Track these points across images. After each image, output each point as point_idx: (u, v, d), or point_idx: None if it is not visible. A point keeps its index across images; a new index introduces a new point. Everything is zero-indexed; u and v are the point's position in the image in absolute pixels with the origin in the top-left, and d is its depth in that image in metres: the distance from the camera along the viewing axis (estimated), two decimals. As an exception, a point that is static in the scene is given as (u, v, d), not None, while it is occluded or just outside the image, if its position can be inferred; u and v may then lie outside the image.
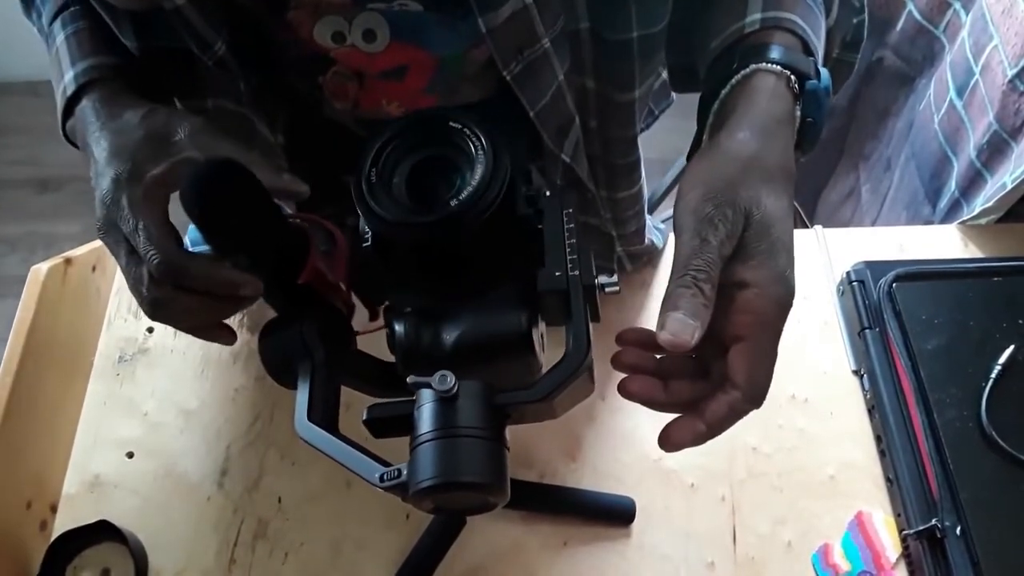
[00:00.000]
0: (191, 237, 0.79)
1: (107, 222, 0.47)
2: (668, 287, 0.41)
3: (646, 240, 0.73)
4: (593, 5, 0.51)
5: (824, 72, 0.48)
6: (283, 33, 0.53)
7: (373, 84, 0.57)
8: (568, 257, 0.42)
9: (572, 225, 0.43)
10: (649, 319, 0.74)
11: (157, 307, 0.47)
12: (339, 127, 0.63)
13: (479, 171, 0.39)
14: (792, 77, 0.46)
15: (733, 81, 0.47)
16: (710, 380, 0.43)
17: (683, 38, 0.59)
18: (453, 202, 0.38)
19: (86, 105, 0.51)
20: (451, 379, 0.38)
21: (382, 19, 0.52)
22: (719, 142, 0.45)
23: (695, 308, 0.40)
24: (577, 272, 0.42)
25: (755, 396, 0.41)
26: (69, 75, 0.52)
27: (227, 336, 0.53)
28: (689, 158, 0.52)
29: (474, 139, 0.40)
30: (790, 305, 0.41)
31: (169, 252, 0.45)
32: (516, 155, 0.41)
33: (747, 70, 0.47)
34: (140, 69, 0.54)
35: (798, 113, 0.47)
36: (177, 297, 0.47)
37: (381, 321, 0.46)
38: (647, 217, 0.74)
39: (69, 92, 0.51)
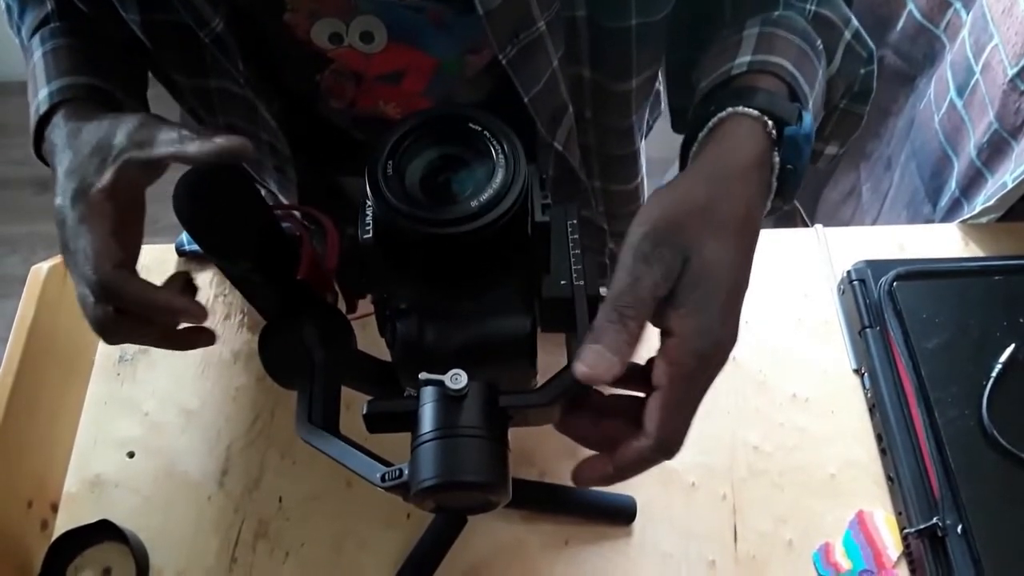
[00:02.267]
0: (187, 235, 0.79)
1: (62, 244, 0.46)
2: (595, 320, 0.40)
3: None
4: None
5: (807, 118, 0.47)
6: (280, 32, 0.53)
7: (370, 85, 0.57)
8: (573, 266, 0.42)
9: (576, 236, 0.43)
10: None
11: (102, 329, 0.47)
12: (334, 128, 0.63)
13: (500, 174, 0.39)
14: (770, 122, 0.45)
15: (710, 124, 0.46)
16: (636, 422, 0.42)
17: (684, 80, 0.59)
18: (473, 202, 0.38)
19: (56, 123, 0.50)
20: (464, 379, 0.38)
21: (379, 22, 0.52)
22: (677, 183, 0.44)
23: (617, 344, 0.39)
24: (582, 282, 0.42)
25: (665, 446, 0.40)
26: (43, 93, 0.51)
27: (204, 339, 0.51)
28: None
29: (495, 143, 0.40)
30: (716, 360, 0.40)
31: (104, 273, 0.44)
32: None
33: (723, 113, 0.46)
34: (124, 78, 0.54)
35: (776, 159, 0.46)
36: (119, 320, 0.46)
37: (362, 310, 0.47)
38: None
39: (42, 111, 0.51)
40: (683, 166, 0.50)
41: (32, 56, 0.54)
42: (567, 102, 0.55)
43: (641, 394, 0.42)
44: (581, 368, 0.39)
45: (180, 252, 0.78)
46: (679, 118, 0.65)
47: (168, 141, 0.45)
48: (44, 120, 0.51)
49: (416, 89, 0.57)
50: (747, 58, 0.49)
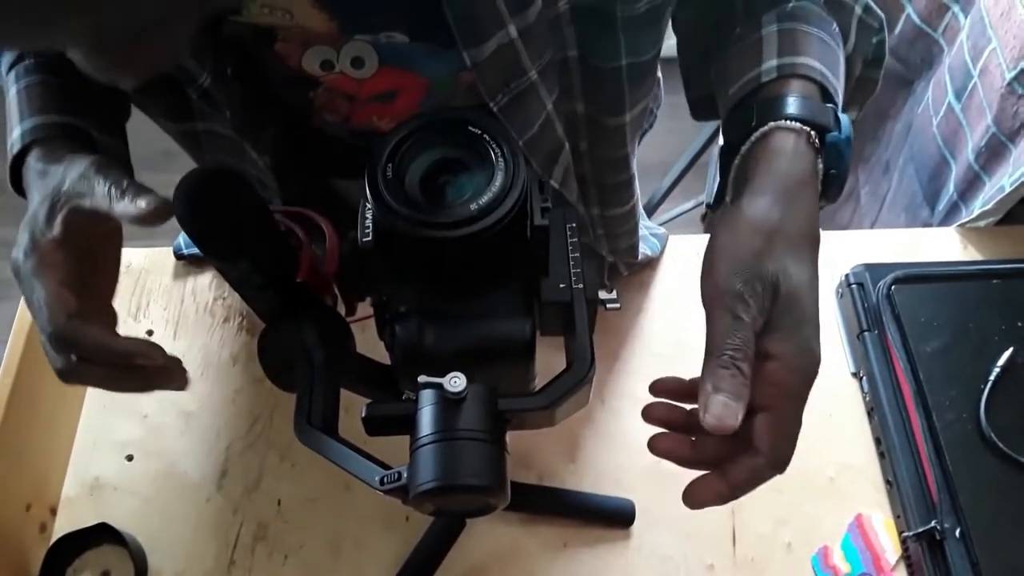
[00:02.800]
0: (184, 238, 0.79)
1: (23, 294, 0.46)
2: (705, 365, 0.41)
3: (640, 256, 0.73)
4: (581, 36, 0.50)
5: (844, 120, 0.47)
6: (272, 59, 0.53)
7: (364, 104, 0.57)
8: (572, 270, 0.42)
9: (575, 239, 0.43)
10: (647, 321, 0.74)
11: (64, 376, 0.46)
12: (329, 136, 0.63)
13: (499, 178, 0.39)
14: (812, 132, 0.46)
15: (752, 139, 0.46)
16: (736, 440, 0.43)
17: (701, 74, 0.59)
18: (473, 205, 0.38)
19: (28, 164, 0.50)
20: (463, 382, 0.38)
21: (370, 48, 0.52)
22: (742, 209, 0.44)
23: (736, 389, 0.40)
24: (581, 285, 0.42)
25: (778, 463, 0.42)
26: (16, 133, 0.51)
27: (175, 381, 0.50)
28: (713, 208, 0.52)
29: (494, 146, 0.40)
30: (815, 374, 0.42)
31: (57, 325, 0.44)
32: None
33: (766, 128, 0.46)
34: (101, 114, 0.54)
35: (820, 167, 0.46)
36: (80, 367, 0.46)
37: (361, 312, 0.47)
38: (642, 226, 0.73)
39: (14, 150, 0.51)
40: (724, 175, 0.50)
41: (8, 92, 0.54)
42: (563, 141, 0.55)
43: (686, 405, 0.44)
44: (710, 420, 0.40)
45: (178, 256, 0.78)
46: (699, 107, 0.65)
47: (101, 195, 0.44)
48: (18, 159, 0.51)
49: (410, 106, 0.57)
50: (774, 62, 0.49)
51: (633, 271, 0.76)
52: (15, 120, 0.52)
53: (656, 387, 0.47)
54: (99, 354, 0.46)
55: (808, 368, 0.41)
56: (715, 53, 0.55)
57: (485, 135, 0.40)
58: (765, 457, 0.41)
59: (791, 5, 0.52)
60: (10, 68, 0.55)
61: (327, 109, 0.58)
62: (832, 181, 0.47)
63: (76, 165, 0.46)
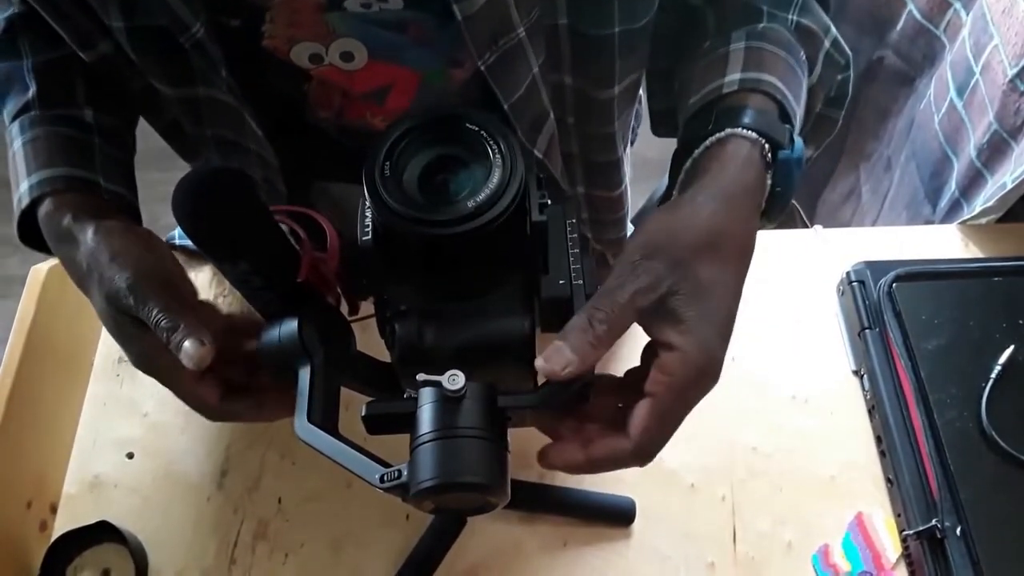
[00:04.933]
0: (179, 232, 0.79)
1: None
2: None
3: None
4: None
5: (798, 141, 0.47)
6: (262, 50, 0.53)
7: (356, 100, 0.57)
8: (572, 266, 0.42)
9: (575, 235, 0.43)
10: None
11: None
12: (322, 135, 0.63)
13: (496, 174, 0.39)
14: (767, 145, 0.46)
15: (707, 143, 0.47)
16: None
17: (665, 84, 0.59)
18: (470, 202, 0.38)
19: (42, 220, 0.51)
20: (461, 379, 0.38)
21: (359, 43, 0.52)
22: (681, 200, 0.45)
23: (579, 344, 0.40)
24: (581, 281, 0.42)
25: (642, 453, 0.41)
26: (24, 186, 0.52)
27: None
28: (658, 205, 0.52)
29: (491, 142, 0.40)
30: (710, 376, 0.41)
31: (213, 416, 0.50)
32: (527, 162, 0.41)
33: (722, 133, 0.46)
34: (107, 164, 0.55)
35: (768, 182, 0.47)
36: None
37: (364, 311, 0.47)
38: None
39: (23, 204, 0.51)
40: (673, 177, 0.50)
41: (13, 144, 0.54)
42: (548, 109, 0.55)
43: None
44: (538, 361, 0.40)
45: (171, 246, 0.78)
46: (660, 121, 0.65)
47: (151, 324, 0.46)
48: (28, 212, 0.52)
49: (402, 105, 0.57)
50: (737, 75, 0.49)
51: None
52: (22, 174, 0.52)
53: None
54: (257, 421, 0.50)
55: (703, 365, 0.40)
56: (681, 65, 0.55)
57: (482, 131, 0.40)
58: (631, 443, 0.41)
59: (762, 26, 0.53)
60: (14, 118, 0.55)
61: (320, 104, 0.58)
62: (777, 200, 0.47)
63: (108, 273, 0.47)
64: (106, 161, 0.55)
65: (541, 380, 0.41)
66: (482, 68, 0.48)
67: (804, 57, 0.53)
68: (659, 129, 0.65)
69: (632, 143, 0.86)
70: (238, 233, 0.42)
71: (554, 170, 0.58)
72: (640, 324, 0.42)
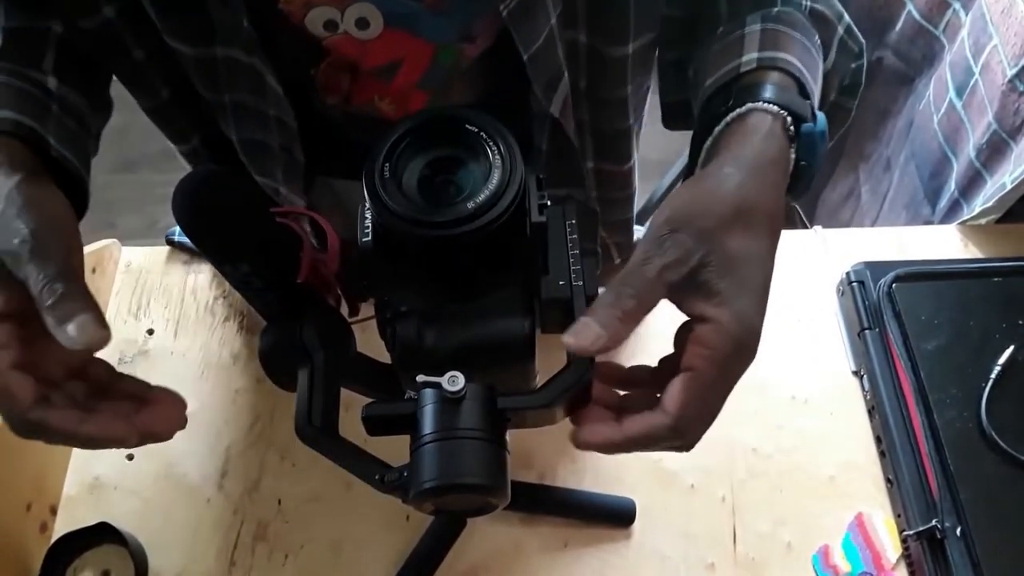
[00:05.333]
0: (179, 229, 0.79)
1: None
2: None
3: (635, 239, 0.73)
4: None
5: (820, 116, 0.47)
6: (277, 17, 0.52)
7: (365, 80, 0.57)
8: (572, 267, 0.42)
9: (575, 236, 0.43)
10: (647, 319, 0.74)
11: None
12: (328, 128, 0.63)
13: (496, 175, 0.39)
14: (788, 119, 0.45)
15: (728, 119, 0.46)
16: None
17: (678, 75, 0.59)
18: (470, 204, 0.38)
19: None
20: (461, 381, 0.38)
21: (375, 9, 0.51)
22: (706, 173, 0.44)
23: (607, 319, 0.39)
24: (581, 283, 0.42)
25: (682, 429, 0.39)
26: None
27: (170, 427, 0.45)
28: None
29: (491, 144, 0.40)
30: (750, 349, 0.40)
31: (18, 416, 0.40)
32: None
33: (743, 108, 0.46)
34: (67, 134, 0.49)
35: (792, 156, 0.46)
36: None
37: (365, 313, 0.46)
38: (640, 231, 0.74)
39: None
40: (694, 157, 0.49)
41: None
42: (563, 68, 0.54)
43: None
44: (567, 337, 0.39)
45: (170, 242, 0.78)
46: (672, 114, 0.65)
47: (34, 291, 0.39)
48: None
49: (411, 80, 0.57)
50: (755, 55, 0.49)
51: (627, 257, 0.76)
52: None
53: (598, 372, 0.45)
54: (69, 442, 0.41)
55: (742, 337, 0.39)
56: (695, 54, 0.55)
57: (482, 132, 0.40)
58: (669, 418, 0.39)
59: (776, 10, 0.53)
60: None
61: (328, 88, 0.58)
62: (802, 174, 0.47)
63: (8, 215, 0.40)
64: (60, 128, 0.49)
65: (566, 360, 0.40)
66: (504, 12, 0.48)
67: (819, 41, 0.53)
68: (671, 122, 0.65)
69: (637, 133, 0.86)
70: (239, 234, 0.42)
71: (569, 131, 0.58)
72: (672, 300, 0.41)
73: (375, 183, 0.39)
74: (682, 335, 0.41)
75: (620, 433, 0.40)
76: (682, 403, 0.39)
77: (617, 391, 0.45)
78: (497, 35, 0.56)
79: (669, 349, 0.43)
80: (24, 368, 0.40)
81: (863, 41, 0.58)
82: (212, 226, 0.41)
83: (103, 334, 0.39)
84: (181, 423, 0.45)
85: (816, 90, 0.50)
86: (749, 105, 0.46)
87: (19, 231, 0.40)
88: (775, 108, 0.45)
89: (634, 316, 0.39)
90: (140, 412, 0.43)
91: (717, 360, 0.39)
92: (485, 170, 0.40)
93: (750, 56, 0.49)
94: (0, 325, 0.40)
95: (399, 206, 0.38)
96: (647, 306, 0.40)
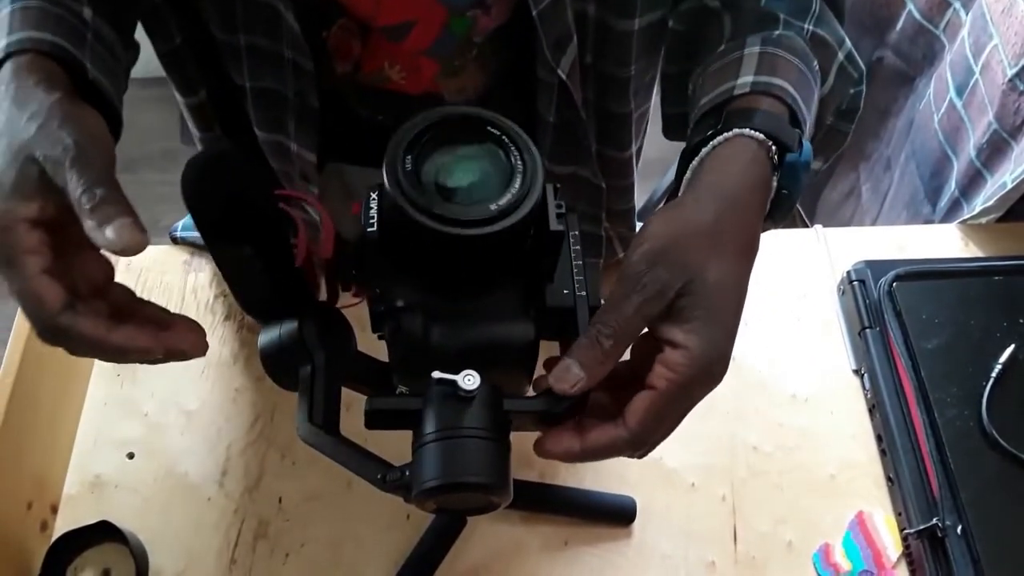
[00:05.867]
0: (185, 222, 0.79)
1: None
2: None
3: (636, 230, 0.73)
4: None
5: (807, 145, 0.47)
6: None
7: (377, 43, 0.57)
8: (575, 277, 0.42)
9: (578, 247, 0.43)
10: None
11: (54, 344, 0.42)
12: (337, 104, 0.63)
13: (518, 179, 0.39)
14: (774, 147, 0.46)
15: (715, 142, 0.47)
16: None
17: (679, 88, 0.59)
18: (492, 206, 0.38)
19: (4, 71, 0.44)
20: (476, 380, 0.38)
21: None
22: (683, 202, 0.45)
23: (588, 361, 0.40)
24: (584, 292, 0.42)
25: (639, 443, 0.41)
26: (1, 43, 0.45)
27: (188, 354, 0.44)
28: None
29: (513, 148, 0.40)
30: (716, 376, 0.41)
31: (46, 319, 0.40)
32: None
33: (730, 133, 0.46)
34: (100, 60, 0.49)
35: (775, 184, 0.47)
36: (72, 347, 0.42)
37: (347, 300, 0.46)
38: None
39: None
40: (680, 175, 0.50)
41: (1, 11, 0.48)
42: (572, 31, 0.55)
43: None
44: (550, 378, 0.40)
45: (173, 239, 0.78)
46: (672, 124, 0.65)
47: (73, 198, 0.39)
48: None
49: (422, 46, 0.57)
50: (750, 78, 0.49)
51: None
52: (2, 31, 0.45)
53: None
54: (95, 351, 0.42)
55: (709, 365, 0.40)
56: (696, 69, 0.56)
57: (504, 136, 0.40)
58: (628, 432, 0.40)
59: (777, 33, 0.53)
60: None
61: (339, 53, 0.58)
62: (782, 202, 0.47)
63: (50, 126, 0.40)
64: (95, 55, 0.49)
65: (583, 394, 0.41)
66: None
67: (817, 67, 0.53)
68: (671, 132, 0.66)
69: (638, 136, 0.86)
70: (245, 214, 0.41)
71: (576, 97, 0.58)
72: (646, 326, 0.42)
73: (397, 173, 0.39)
74: (645, 349, 0.42)
75: (581, 444, 0.42)
76: (642, 420, 0.40)
77: None
78: (511, 14, 0.56)
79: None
80: (53, 276, 0.40)
81: (863, 68, 0.58)
82: (217, 206, 0.41)
83: (141, 238, 0.39)
84: (203, 347, 0.45)
85: (808, 117, 0.50)
86: (736, 131, 0.46)
87: (62, 139, 0.40)
88: (761, 136, 0.46)
89: (613, 356, 0.40)
90: (163, 332, 0.44)
91: (681, 384, 0.40)
92: (505, 173, 0.40)
93: (745, 79, 0.49)
94: (33, 231, 0.40)
95: (421, 199, 0.38)
96: (626, 344, 0.41)
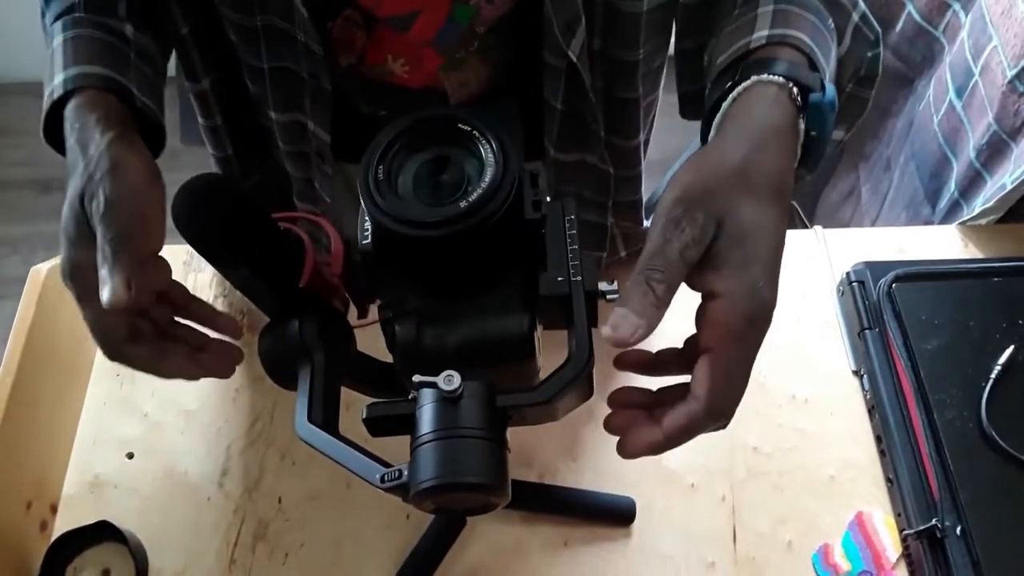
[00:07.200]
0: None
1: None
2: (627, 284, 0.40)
3: (643, 226, 0.73)
4: None
5: (830, 87, 0.47)
6: None
7: (381, 35, 0.57)
8: (570, 262, 0.42)
9: (574, 232, 0.43)
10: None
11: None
12: (341, 101, 0.63)
13: (489, 173, 0.39)
14: (795, 89, 0.45)
15: (734, 93, 0.46)
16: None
17: (694, 63, 0.59)
18: (463, 203, 0.38)
19: (69, 109, 0.51)
20: (457, 380, 0.38)
21: None
22: (712, 147, 0.44)
23: (643, 307, 0.39)
24: (579, 277, 0.42)
25: (716, 411, 0.40)
26: (59, 79, 0.51)
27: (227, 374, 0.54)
28: None
29: (483, 142, 0.40)
30: (764, 320, 0.40)
31: (110, 349, 0.49)
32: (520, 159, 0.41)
33: (748, 82, 0.46)
34: (141, 80, 0.54)
35: (802, 126, 0.46)
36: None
37: (373, 316, 0.47)
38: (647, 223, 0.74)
39: (55, 96, 0.51)
40: (705, 134, 0.50)
41: (52, 42, 0.54)
42: (581, 14, 0.55)
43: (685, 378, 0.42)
44: (607, 331, 0.39)
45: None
46: (688, 103, 0.65)
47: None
48: (58, 105, 0.51)
49: (426, 36, 0.57)
50: (765, 32, 0.49)
51: (633, 251, 0.76)
52: (58, 67, 0.52)
53: (622, 360, 0.46)
54: (148, 372, 0.50)
55: (754, 310, 0.39)
56: (710, 41, 0.56)
57: (475, 131, 0.40)
58: (701, 403, 0.39)
59: None
60: (57, 18, 0.55)
61: (343, 46, 0.58)
62: (812, 145, 0.47)
63: (95, 178, 0.47)
64: (140, 76, 0.55)
65: (578, 381, 0.40)
66: None
67: (832, 25, 0.53)
68: (689, 111, 0.66)
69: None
70: (238, 240, 0.42)
71: (586, 79, 0.58)
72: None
73: (369, 186, 0.39)
74: (700, 315, 0.41)
75: (661, 433, 0.41)
76: (710, 386, 0.39)
77: (642, 389, 0.45)
78: (514, 2, 0.56)
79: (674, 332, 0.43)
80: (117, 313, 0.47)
81: (879, 30, 0.57)
82: (211, 232, 0.41)
83: (123, 297, 0.45)
84: (232, 372, 0.54)
85: (828, 67, 0.50)
86: (755, 78, 0.46)
87: (97, 195, 0.46)
88: (780, 79, 0.45)
89: (665, 300, 0.39)
90: (202, 355, 0.53)
91: (732, 336, 0.39)
92: (479, 168, 0.40)
93: (760, 34, 0.49)
94: (95, 272, 0.46)
95: (392, 208, 0.38)
96: (674, 288, 0.40)
